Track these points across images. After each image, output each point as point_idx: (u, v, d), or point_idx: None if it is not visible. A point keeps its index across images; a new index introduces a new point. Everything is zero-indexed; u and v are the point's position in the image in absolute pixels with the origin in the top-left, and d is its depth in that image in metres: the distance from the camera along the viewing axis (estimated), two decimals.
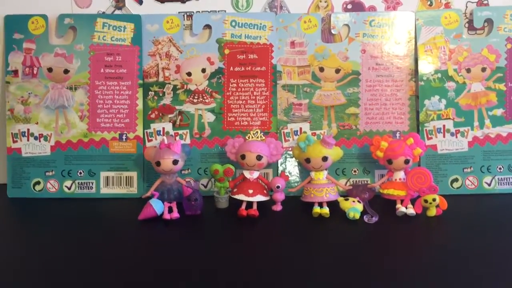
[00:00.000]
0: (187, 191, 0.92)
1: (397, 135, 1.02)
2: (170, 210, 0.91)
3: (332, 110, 1.04)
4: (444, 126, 1.02)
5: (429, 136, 1.02)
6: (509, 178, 1.01)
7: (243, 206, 0.93)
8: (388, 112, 1.03)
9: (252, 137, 0.99)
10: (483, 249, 0.76)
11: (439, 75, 1.02)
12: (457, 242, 0.79)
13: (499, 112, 1.01)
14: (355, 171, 1.03)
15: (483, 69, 1.01)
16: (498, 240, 0.79)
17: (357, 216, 0.89)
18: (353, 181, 1.03)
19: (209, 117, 1.04)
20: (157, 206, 0.90)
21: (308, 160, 0.96)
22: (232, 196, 0.96)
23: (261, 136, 0.99)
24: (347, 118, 1.03)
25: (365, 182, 1.03)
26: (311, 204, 0.94)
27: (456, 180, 1.01)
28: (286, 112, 1.04)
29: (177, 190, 0.96)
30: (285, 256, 0.75)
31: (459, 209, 0.93)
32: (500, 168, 1.01)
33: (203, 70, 1.04)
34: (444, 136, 1.01)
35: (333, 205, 0.93)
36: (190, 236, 0.84)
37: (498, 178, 1.01)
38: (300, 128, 1.04)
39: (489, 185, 1.01)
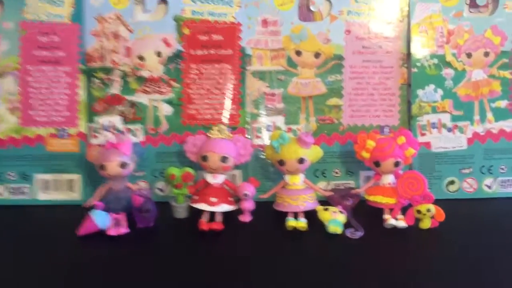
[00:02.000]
0: (138, 200, 0.80)
1: (386, 130, 0.92)
2: (118, 223, 0.79)
3: (311, 101, 0.92)
4: (439, 120, 0.92)
5: (423, 131, 0.92)
6: None
7: (205, 217, 0.83)
8: (375, 103, 0.92)
9: (216, 134, 0.87)
10: (487, 269, 0.67)
11: (435, 60, 0.92)
12: (454, 262, 0.70)
13: (503, 104, 0.92)
14: (336, 173, 0.92)
15: (486, 54, 0.92)
16: (503, 256, 0.71)
17: (339, 231, 0.78)
18: (334, 184, 0.92)
19: (166, 110, 0.93)
20: (99, 219, 0.78)
21: (281, 162, 0.84)
22: (191, 205, 0.84)
23: (227, 132, 0.87)
24: (328, 110, 0.93)
25: (349, 186, 0.92)
26: (286, 213, 0.84)
27: (452, 182, 0.93)
28: (257, 104, 0.92)
29: (126, 199, 0.83)
30: (254, 277, 0.66)
31: (456, 217, 0.84)
32: (502, 169, 0.92)
33: (158, 54, 0.92)
34: (439, 132, 0.92)
35: (312, 214, 0.84)
36: (140, 253, 0.73)
37: (500, 180, 0.92)
38: (273, 123, 0.93)
39: (490, 188, 0.92)
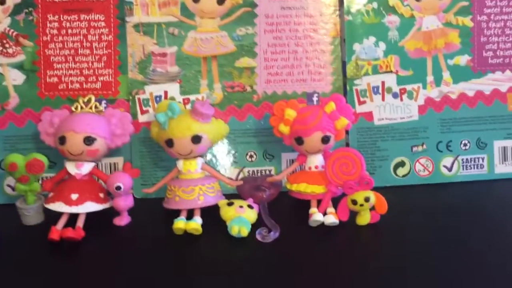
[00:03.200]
0: None
1: (315, 99, 0.72)
2: None
3: (215, 62, 0.73)
4: (383, 83, 0.75)
5: (362, 99, 0.75)
6: (478, 158, 0.75)
7: (60, 222, 0.62)
8: (300, 64, 0.74)
9: (82, 108, 0.66)
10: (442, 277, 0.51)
11: (375, 4, 0.75)
12: (402, 271, 0.53)
13: (463, 60, 0.76)
14: (251, 156, 0.72)
15: None
16: (466, 259, 0.55)
17: (245, 232, 0.59)
18: (248, 171, 0.72)
19: (16, 78, 0.73)
20: None
21: (170, 142, 0.64)
22: (45, 206, 0.64)
23: (96, 105, 0.66)
24: (238, 75, 0.74)
25: (266, 172, 0.72)
26: (177, 213, 0.64)
27: (401, 164, 0.76)
28: (142, 68, 0.73)
29: None
30: None
31: (406, 209, 0.68)
32: (465, 145, 0.75)
33: (1, 1, 0.70)
34: (383, 99, 0.76)
35: (214, 212, 0.64)
36: None
37: (462, 160, 0.76)
38: (165, 92, 0.73)
39: (450, 170, 0.76)
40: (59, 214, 0.63)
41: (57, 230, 0.60)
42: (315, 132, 0.65)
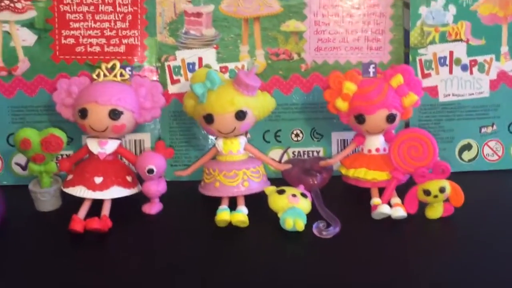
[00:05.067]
0: None
1: (371, 70, 0.64)
2: None
3: (257, 25, 0.65)
4: (451, 53, 0.68)
5: (426, 71, 0.68)
6: None
7: (82, 210, 0.55)
8: (355, 29, 0.67)
9: (105, 76, 0.59)
10: None
11: None
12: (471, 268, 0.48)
13: None
14: (297, 135, 0.65)
15: None
16: None
17: (301, 226, 0.52)
18: (293, 153, 0.66)
19: (26, 38, 0.65)
20: None
21: (209, 118, 0.57)
22: (64, 190, 0.57)
23: (121, 72, 0.59)
24: (284, 40, 0.67)
25: (314, 154, 0.65)
26: (216, 200, 0.58)
27: (468, 147, 0.71)
28: (173, 29, 0.65)
29: None
30: None
31: (476, 199, 0.60)
32: None
33: None
34: (450, 72, 0.69)
35: (259, 200, 0.58)
36: None
37: None
38: (199, 59, 0.65)
39: None
40: (78, 199, 0.57)
41: (80, 220, 0.53)
42: (379, 110, 0.58)
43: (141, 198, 0.59)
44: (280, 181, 0.62)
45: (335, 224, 0.53)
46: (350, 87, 0.59)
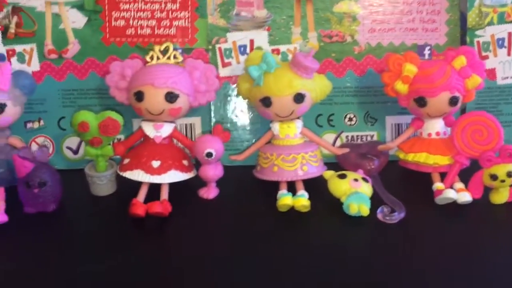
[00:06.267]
0: (23, 167, 0.51)
1: (426, 52, 0.63)
2: None
3: (310, 6, 0.64)
4: (510, 34, 0.66)
5: (484, 53, 0.65)
6: None
7: (141, 194, 0.55)
8: (410, 10, 0.65)
9: (158, 58, 0.57)
10: None
11: None
12: None
13: None
14: (350, 119, 0.64)
15: None
16: None
17: (366, 211, 0.51)
18: (346, 137, 0.64)
19: (76, 20, 0.64)
20: None
21: (267, 101, 0.56)
22: (121, 174, 0.56)
23: (177, 55, 0.57)
24: (337, 21, 0.64)
25: (368, 138, 0.64)
26: (273, 185, 0.57)
27: None
28: (224, 11, 0.63)
29: (6, 165, 0.57)
30: None
31: None
32: None
33: None
34: (509, 54, 0.66)
35: (316, 184, 0.56)
36: (28, 263, 0.47)
37: None
38: (251, 41, 0.64)
39: None
40: (131, 183, 0.56)
41: (142, 204, 0.52)
42: (442, 92, 0.56)
43: (195, 183, 0.58)
44: (332, 165, 0.60)
45: (399, 209, 0.52)
46: (411, 69, 0.57)
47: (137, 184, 0.56)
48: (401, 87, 0.58)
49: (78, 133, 0.55)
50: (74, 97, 0.63)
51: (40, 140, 0.63)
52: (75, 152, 0.63)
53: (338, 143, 0.65)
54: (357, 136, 0.66)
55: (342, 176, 0.55)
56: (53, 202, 0.53)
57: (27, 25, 0.62)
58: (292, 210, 0.54)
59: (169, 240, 0.51)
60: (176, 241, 0.51)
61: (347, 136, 0.66)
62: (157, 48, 0.58)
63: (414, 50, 0.65)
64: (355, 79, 0.65)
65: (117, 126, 0.55)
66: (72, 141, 0.63)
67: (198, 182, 0.58)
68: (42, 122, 0.63)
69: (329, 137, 0.65)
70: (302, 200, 0.53)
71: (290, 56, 0.63)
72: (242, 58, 0.64)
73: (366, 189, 0.54)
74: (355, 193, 0.53)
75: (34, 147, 0.62)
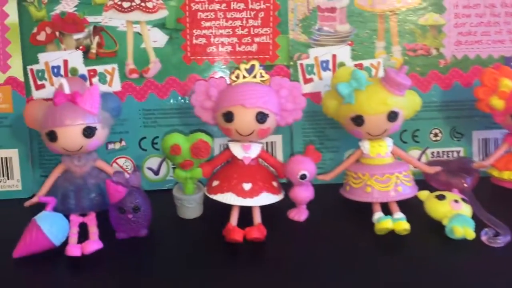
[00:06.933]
0: (117, 192, 0.50)
1: None
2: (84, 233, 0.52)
3: (394, 19, 0.62)
4: None
5: None
6: None
7: (234, 217, 0.53)
8: (497, 21, 0.64)
9: (243, 77, 0.56)
10: None
11: None
12: None
13: None
14: (435, 135, 0.62)
15: None
16: None
17: (471, 234, 0.49)
18: (432, 153, 0.63)
19: (157, 38, 0.64)
20: (50, 228, 0.49)
21: (359, 120, 0.54)
22: (210, 196, 0.55)
23: (263, 73, 0.56)
24: (422, 34, 0.63)
25: (455, 155, 0.63)
26: (361, 205, 0.55)
27: None
28: (306, 26, 0.62)
29: (97, 189, 0.57)
30: None
31: None
32: None
33: None
34: None
35: (408, 205, 0.55)
36: None
37: None
38: (333, 56, 0.62)
39: None
40: (220, 207, 0.55)
41: (239, 230, 0.51)
42: None
43: (282, 204, 0.56)
44: (417, 182, 0.58)
45: (504, 231, 0.51)
46: (508, 84, 0.56)
47: (221, 206, 0.54)
48: (498, 102, 0.57)
49: (169, 156, 0.54)
50: (155, 117, 0.63)
51: (121, 161, 0.63)
52: (156, 173, 0.63)
53: (423, 159, 0.64)
54: (443, 152, 0.65)
55: (441, 197, 0.53)
56: (145, 227, 0.53)
57: (109, 45, 0.62)
58: (390, 232, 0.52)
59: (269, 267, 0.50)
60: (276, 267, 0.49)
61: (432, 152, 0.65)
62: (242, 66, 0.57)
63: (501, 62, 0.64)
64: (440, 93, 0.64)
65: (208, 148, 0.54)
66: (153, 162, 0.63)
67: (284, 204, 0.57)
68: (123, 143, 0.62)
69: (414, 153, 0.64)
70: (403, 224, 0.51)
71: (373, 71, 0.63)
72: (324, 74, 0.63)
73: (467, 210, 0.53)
74: (457, 215, 0.51)
75: (115, 167, 0.62)
